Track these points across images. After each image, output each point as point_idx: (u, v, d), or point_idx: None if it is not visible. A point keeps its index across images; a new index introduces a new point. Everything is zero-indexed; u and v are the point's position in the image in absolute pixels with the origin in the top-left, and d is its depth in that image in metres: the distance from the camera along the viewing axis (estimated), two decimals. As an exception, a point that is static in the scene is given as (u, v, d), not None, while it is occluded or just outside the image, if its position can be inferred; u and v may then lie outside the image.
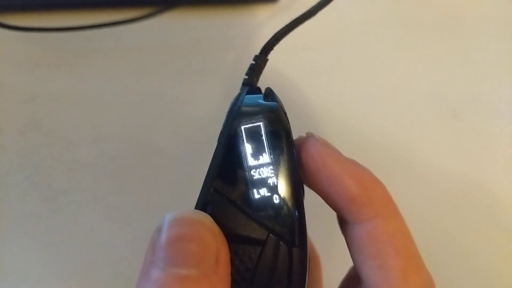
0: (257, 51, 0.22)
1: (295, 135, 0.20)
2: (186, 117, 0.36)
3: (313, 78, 0.38)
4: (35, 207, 0.33)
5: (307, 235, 0.26)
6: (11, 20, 0.34)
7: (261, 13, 0.39)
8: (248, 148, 0.18)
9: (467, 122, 0.38)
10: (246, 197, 0.18)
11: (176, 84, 0.37)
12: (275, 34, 0.22)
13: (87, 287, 0.32)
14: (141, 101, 0.36)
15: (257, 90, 0.21)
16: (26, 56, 0.37)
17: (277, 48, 0.22)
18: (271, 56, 0.22)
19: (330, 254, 0.26)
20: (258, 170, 0.18)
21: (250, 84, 0.22)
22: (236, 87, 0.22)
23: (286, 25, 0.22)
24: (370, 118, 0.38)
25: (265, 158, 0.18)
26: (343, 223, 0.20)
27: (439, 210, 0.36)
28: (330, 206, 0.20)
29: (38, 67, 0.37)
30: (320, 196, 0.20)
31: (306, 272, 0.18)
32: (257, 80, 0.22)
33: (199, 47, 0.38)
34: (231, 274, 0.17)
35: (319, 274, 0.26)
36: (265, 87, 0.22)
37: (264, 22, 0.39)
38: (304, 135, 0.20)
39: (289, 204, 0.18)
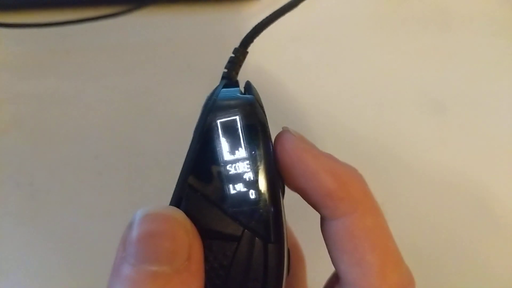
0: (240, 47, 0.22)
1: (279, 130, 0.19)
2: (169, 115, 0.35)
3: (298, 72, 0.38)
4: (18, 206, 0.33)
5: (292, 232, 0.26)
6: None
7: (246, 9, 0.39)
8: (223, 142, 0.17)
9: (454, 117, 0.38)
10: (221, 193, 0.17)
11: (158, 81, 0.36)
12: (255, 26, 0.21)
13: (70, 285, 0.32)
14: (123, 99, 0.36)
15: (235, 84, 0.21)
16: (7, 55, 0.36)
17: (262, 43, 0.22)
18: (257, 50, 0.22)
19: (316, 251, 0.26)
20: (233, 165, 0.17)
21: (229, 77, 0.21)
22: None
23: (266, 18, 0.22)
24: (356, 112, 0.37)
25: (241, 152, 0.17)
26: (322, 219, 0.20)
27: (427, 205, 0.36)
28: (307, 202, 0.19)
29: (19, 66, 0.36)
30: (297, 193, 0.19)
31: (282, 269, 0.17)
32: (237, 73, 0.21)
33: (181, 43, 0.38)
34: (206, 271, 0.17)
35: (302, 270, 0.26)
36: (249, 81, 0.21)
37: (248, 19, 0.39)
38: (287, 126, 0.20)
39: (265, 199, 0.17)
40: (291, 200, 0.20)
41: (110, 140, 0.34)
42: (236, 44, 0.22)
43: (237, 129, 0.17)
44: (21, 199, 0.33)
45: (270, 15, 0.22)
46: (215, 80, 0.23)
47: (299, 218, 0.25)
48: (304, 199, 0.19)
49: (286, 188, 0.20)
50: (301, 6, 0.24)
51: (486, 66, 0.40)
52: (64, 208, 0.33)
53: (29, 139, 0.34)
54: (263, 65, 0.35)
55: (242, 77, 0.22)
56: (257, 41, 0.22)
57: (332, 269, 0.23)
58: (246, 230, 0.17)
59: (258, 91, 0.20)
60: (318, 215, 0.21)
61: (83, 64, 0.36)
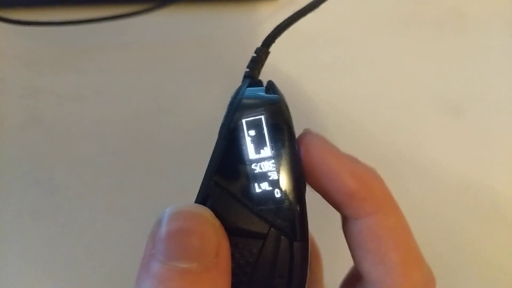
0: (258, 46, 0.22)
1: (297, 131, 0.20)
2: (187, 113, 0.36)
3: (315, 74, 0.38)
4: (36, 202, 0.33)
5: (309, 230, 0.26)
6: (12, 15, 0.34)
7: (263, 9, 0.39)
8: (249, 141, 0.18)
9: (470, 119, 0.38)
10: (247, 191, 0.17)
11: (177, 79, 0.37)
12: (277, 26, 0.22)
13: (88, 282, 0.32)
14: (142, 97, 0.36)
15: (259, 83, 0.21)
16: (27, 51, 0.37)
17: (280, 43, 0.22)
18: (274, 50, 0.22)
19: (332, 250, 0.26)
20: (259, 164, 0.17)
21: (251, 76, 0.21)
22: (237, 84, 0.22)
23: (288, 17, 0.22)
24: (373, 114, 0.37)
25: (267, 151, 0.18)
26: (343, 219, 0.20)
27: (442, 206, 0.36)
28: (329, 203, 0.19)
29: (39, 62, 0.36)
30: (320, 194, 0.19)
31: (307, 267, 0.18)
32: (259, 72, 0.22)
33: (200, 43, 0.38)
34: (232, 267, 0.17)
35: (320, 269, 0.26)
36: (272, 80, 0.21)
37: (266, 19, 0.39)
38: (309, 128, 0.20)
39: (291, 198, 0.17)
40: (308, 199, 0.20)
41: (129, 137, 0.35)
42: (254, 43, 0.22)
43: (263, 128, 0.18)
44: (40, 195, 0.33)
45: (293, 15, 0.22)
46: (233, 78, 0.23)
47: (316, 218, 0.26)
48: (326, 199, 0.19)
49: None
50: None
51: (502, 68, 0.40)
52: (83, 204, 0.33)
53: (48, 135, 0.35)
54: (280, 66, 0.35)
55: (260, 77, 0.22)
56: (275, 42, 0.22)
57: (347, 268, 0.23)
58: (272, 228, 0.17)
59: None
60: (334, 215, 0.21)
61: (102, 62, 0.37)
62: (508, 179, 0.37)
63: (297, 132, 0.20)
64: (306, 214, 0.18)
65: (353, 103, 0.37)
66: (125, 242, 0.32)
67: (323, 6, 0.24)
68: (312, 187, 0.20)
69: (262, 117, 0.18)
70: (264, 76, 0.22)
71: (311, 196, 0.20)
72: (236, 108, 0.18)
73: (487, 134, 0.38)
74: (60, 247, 0.33)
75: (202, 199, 0.17)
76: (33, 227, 0.33)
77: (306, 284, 0.18)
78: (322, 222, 0.27)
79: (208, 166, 0.18)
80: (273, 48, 0.22)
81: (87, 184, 0.34)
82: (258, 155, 0.18)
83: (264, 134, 0.18)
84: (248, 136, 0.18)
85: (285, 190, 0.17)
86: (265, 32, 0.22)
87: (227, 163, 0.18)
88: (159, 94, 0.36)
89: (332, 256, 0.26)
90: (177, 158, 0.35)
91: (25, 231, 0.33)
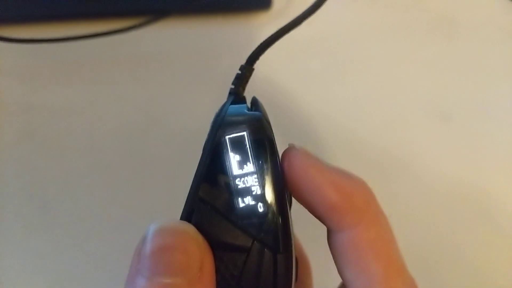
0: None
1: (288, 141, 0.20)
2: (180, 126, 0.36)
3: (307, 83, 0.38)
4: (30, 217, 0.34)
5: (297, 240, 0.27)
6: (5, 32, 0.34)
7: (254, 21, 0.40)
8: (232, 157, 0.18)
9: (460, 125, 0.38)
10: (231, 206, 0.18)
11: (169, 92, 0.37)
12: (261, 44, 0.22)
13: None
14: (134, 110, 0.36)
15: (243, 100, 0.22)
16: (21, 67, 0.37)
17: (270, 54, 0.23)
18: (265, 61, 0.23)
19: (321, 259, 0.26)
20: (242, 179, 0.18)
21: (236, 93, 0.22)
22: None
23: (272, 35, 0.22)
24: (364, 122, 0.38)
25: (249, 167, 0.18)
26: (328, 231, 0.20)
27: (433, 212, 0.36)
28: (314, 215, 0.20)
29: (33, 78, 0.37)
30: (304, 207, 0.20)
31: (291, 278, 0.18)
32: (243, 89, 0.22)
33: (192, 55, 0.38)
34: (217, 281, 0.17)
35: (309, 279, 0.26)
36: (259, 92, 0.22)
37: (257, 30, 0.39)
38: (293, 143, 0.21)
39: (274, 211, 0.18)
40: (299, 208, 0.20)
41: (122, 151, 0.35)
42: (247, 54, 0.22)
43: (245, 144, 0.18)
44: (34, 210, 0.34)
45: (276, 33, 0.22)
46: (226, 90, 0.24)
47: (306, 227, 0.26)
48: (311, 212, 0.20)
49: (293, 200, 0.21)
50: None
51: (493, 74, 0.40)
52: (76, 219, 0.34)
53: (41, 150, 0.35)
54: (272, 76, 0.36)
55: (252, 87, 0.23)
56: (266, 52, 0.22)
57: (337, 277, 0.23)
58: (255, 241, 0.18)
59: (268, 101, 0.21)
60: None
61: (95, 76, 0.37)
62: (498, 183, 0.37)
63: (287, 142, 0.20)
64: (289, 227, 0.18)
65: (345, 111, 0.38)
66: (119, 256, 0.33)
67: (312, 17, 0.24)
68: (297, 200, 0.20)
69: (245, 133, 0.18)
70: (257, 86, 0.23)
71: (301, 206, 0.20)
72: (220, 125, 0.19)
73: (477, 140, 0.38)
74: (54, 261, 0.33)
75: (187, 214, 0.18)
76: (26, 242, 0.33)
77: (291, 295, 0.18)
78: (312, 231, 0.27)
79: (193, 181, 0.18)
80: (265, 59, 0.23)
81: (80, 198, 0.34)
82: (241, 170, 0.18)
83: (246, 150, 0.18)
84: (231, 153, 0.18)
85: (268, 204, 0.18)
86: (258, 43, 0.22)
87: (211, 178, 0.18)
88: (151, 107, 0.37)
89: (322, 265, 0.26)
90: (170, 171, 0.35)
91: (18, 246, 0.33)
